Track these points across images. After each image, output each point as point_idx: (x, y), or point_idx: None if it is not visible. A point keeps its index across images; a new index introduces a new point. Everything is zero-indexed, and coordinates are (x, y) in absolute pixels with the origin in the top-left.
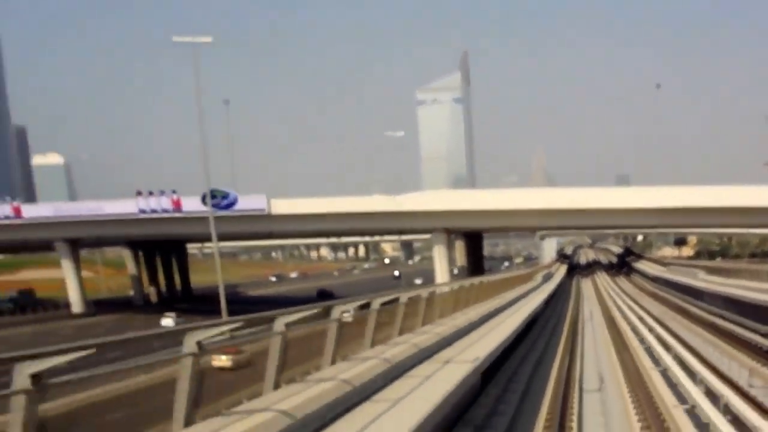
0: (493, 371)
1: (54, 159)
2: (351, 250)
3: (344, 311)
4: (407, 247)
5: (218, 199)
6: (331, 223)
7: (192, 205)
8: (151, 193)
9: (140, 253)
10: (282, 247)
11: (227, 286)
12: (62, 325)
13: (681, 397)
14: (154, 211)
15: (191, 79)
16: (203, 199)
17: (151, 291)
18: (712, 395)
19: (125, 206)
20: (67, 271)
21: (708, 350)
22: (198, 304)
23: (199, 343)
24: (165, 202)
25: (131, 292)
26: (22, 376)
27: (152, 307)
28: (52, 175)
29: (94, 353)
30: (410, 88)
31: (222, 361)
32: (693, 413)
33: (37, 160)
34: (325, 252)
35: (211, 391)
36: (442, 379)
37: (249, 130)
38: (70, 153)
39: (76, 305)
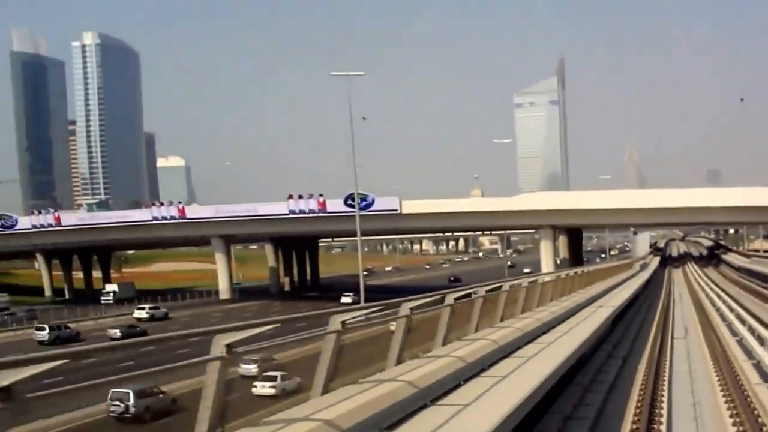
0: (615, 322)
1: (176, 161)
2: (451, 244)
3: (473, 292)
4: (504, 240)
5: (358, 200)
6: (454, 221)
7: (335, 206)
8: (300, 197)
9: (280, 248)
10: (387, 241)
11: (346, 277)
12: (215, 309)
13: (735, 335)
14: (302, 211)
15: (306, 89)
16: (345, 201)
17: (286, 281)
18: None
19: (277, 208)
20: (219, 263)
21: (766, 315)
22: (326, 292)
23: (343, 323)
24: (312, 204)
25: (268, 282)
26: (218, 345)
27: (287, 295)
28: (174, 175)
29: (277, 328)
30: (508, 93)
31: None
32: (741, 343)
33: (161, 162)
34: (427, 245)
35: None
36: (592, 320)
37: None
38: (191, 156)
39: (224, 293)
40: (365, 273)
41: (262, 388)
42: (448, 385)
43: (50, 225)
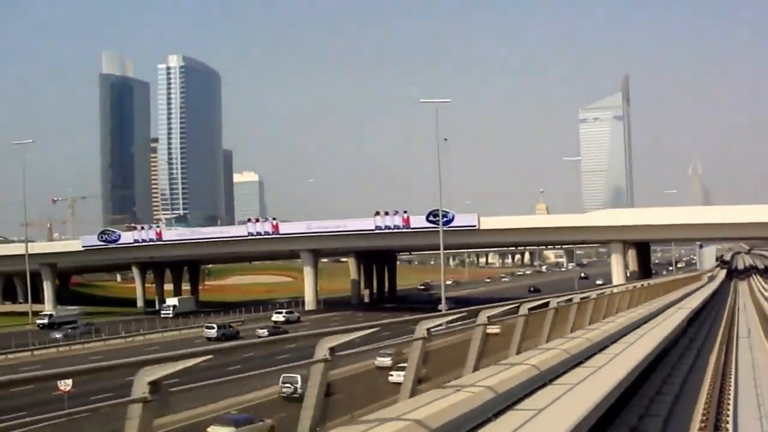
0: (690, 323)
1: (250, 177)
2: (517, 257)
3: (555, 300)
4: (570, 254)
5: (442, 217)
6: (529, 236)
7: (417, 222)
8: (386, 213)
9: (361, 262)
10: (455, 254)
11: (418, 290)
12: (303, 319)
13: None
14: (387, 227)
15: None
16: (427, 217)
17: (365, 293)
18: None
19: (364, 223)
20: (307, 276)
21: None
22: (402, 303)
23: (428, 330)
24: (397, 220)
25: (348, 293)
26: (323, 348)
27: (367, 306)
28: (248, 190)
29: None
30: (573, 108)
31: (494, 329)
32: None
33: (236, 177)
34: (492, 258)
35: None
36: (672, 319)
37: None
38: (264, 172)
39: (310, 303)
40: (422, 287)
41: (398, 377)
42: (523, 391)
43: (151, 240)
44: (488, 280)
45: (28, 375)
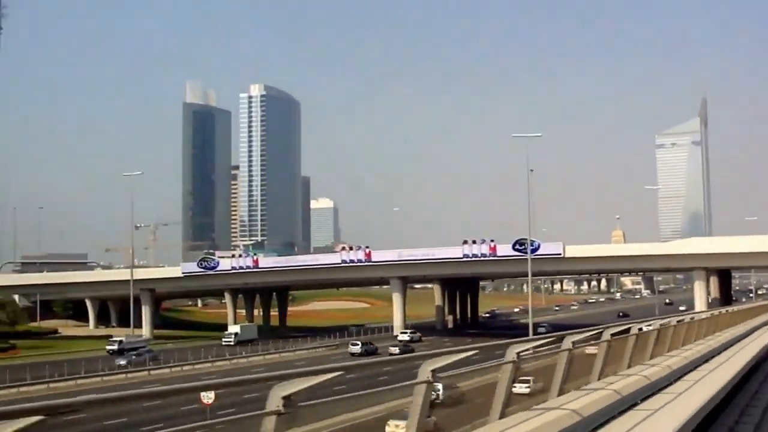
0: None
1: (325, 203)
2: (593, 283)
3: (647, 324)
4: (648, 281)
5: (527, 245)
6: (612, 264)
7: (504, 250)
8: (474, 242)
9: (446, 289)
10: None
11: (502, 314)
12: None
13: None
14: (474, 255)
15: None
16: (513, 246)
17: (449, 318)
18: None
19: (452, 252)
20: (396, 302)
21: None
22: (484, 329)
23: (518, 354)
24: (484, 248)
25: (433, 319)
26: (425, 371)
27: (451, 331)
28: (323, 217)
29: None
30: (650, 134)
31: (591, 349)
32: None
33: (312, 204)
34: (567, 285)
35: (584, 367)
36: (759, 340)
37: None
38: (339, 198)
39: (398, 329)
40: (487, 315)
41: (520, 388)
42: (607, 415)
43: (248, 267)
44: (557, 308)
45: (169, 388)
